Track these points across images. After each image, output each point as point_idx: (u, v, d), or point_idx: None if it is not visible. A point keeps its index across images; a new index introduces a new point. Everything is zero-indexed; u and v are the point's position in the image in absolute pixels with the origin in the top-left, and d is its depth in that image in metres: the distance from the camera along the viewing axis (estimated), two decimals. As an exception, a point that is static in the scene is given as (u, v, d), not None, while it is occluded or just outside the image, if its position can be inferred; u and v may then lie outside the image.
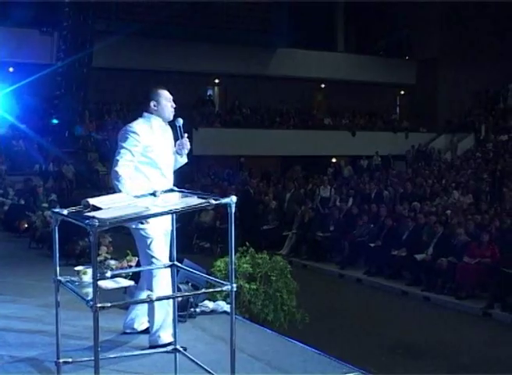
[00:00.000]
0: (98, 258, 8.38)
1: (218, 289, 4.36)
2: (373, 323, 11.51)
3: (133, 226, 5.25)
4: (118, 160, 5.33)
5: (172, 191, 4.70)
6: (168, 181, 5.45)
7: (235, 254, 7.38)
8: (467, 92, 32.80)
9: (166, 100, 5.53)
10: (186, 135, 5.52)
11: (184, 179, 24.62)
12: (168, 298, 5.10)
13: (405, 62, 35.33)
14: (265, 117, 31.26)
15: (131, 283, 5.32)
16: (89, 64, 23.95)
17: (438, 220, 15.23)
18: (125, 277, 6.44)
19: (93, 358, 3.65)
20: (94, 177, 21.95)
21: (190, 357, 4.69)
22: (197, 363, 4.58)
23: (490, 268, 12.78)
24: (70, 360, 4.45)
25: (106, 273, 4.81)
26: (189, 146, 5.58)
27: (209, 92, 33.17)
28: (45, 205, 14.65)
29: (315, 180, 23.15)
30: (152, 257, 5.25)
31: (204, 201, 4.01)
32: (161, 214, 4.08)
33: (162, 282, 5.25)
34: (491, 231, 14.12)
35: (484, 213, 16.39)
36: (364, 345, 10.02)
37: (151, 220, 5.00)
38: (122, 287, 5.36)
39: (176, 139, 5.56)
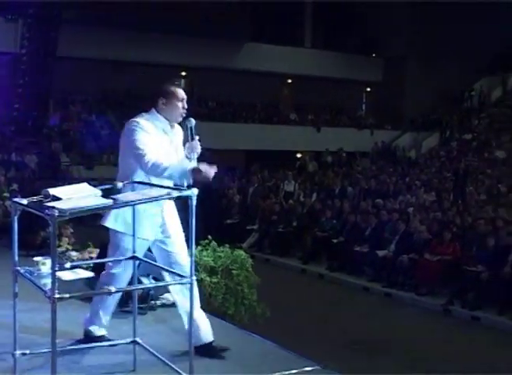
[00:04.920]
0: (59, 250, 8.35)
1: (178, 282, 4.35)
2: (334, 319, 11.57)
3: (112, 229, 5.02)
4: (141, 154, 4.80)
5: (133, 183, 4.68)
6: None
7: (196, 247, 7.44)
8: (432, 91, 33.02)
9: (178, 100, 5.06)
10: (197, 138, 5.01)
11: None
12: (128, 290, 5.09)
13: (372, 59, 35.54)
14: (231, 111, 31.24)
15: (91, 274, 5.29)
16: (54, 53, 23.69)
17: (400, 217, 15.35)
18: (85, 269, 6.41)
19: (50, 350, 3.63)
20: (57, 168, 21.76)
21: (149, 349, 4.69)
22: (155, 355, 4.59)
23: (451, 265, 12.91)
24: (27, 352, 4.43)
25: (65, 263, 4.77)
26: (199, 149, 5.00)
27: (176, 85, 33.08)
28: (6, 194, 14.49)
29: (279, 175, 23.20)
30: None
31: (165, 192, 4.00)
32: (124, 205, 4.05)
33: None
34: (452, 229, 14.27)
35: (446, 211, 16.56)
36: (324, 340, 10.07)
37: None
38: (81, 279, 5.33)
39: (186, 141, 5.08)
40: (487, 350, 10.16)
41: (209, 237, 7.69)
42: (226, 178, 22.45)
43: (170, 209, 5.11)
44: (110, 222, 4.99)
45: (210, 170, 4.62)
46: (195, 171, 4.59)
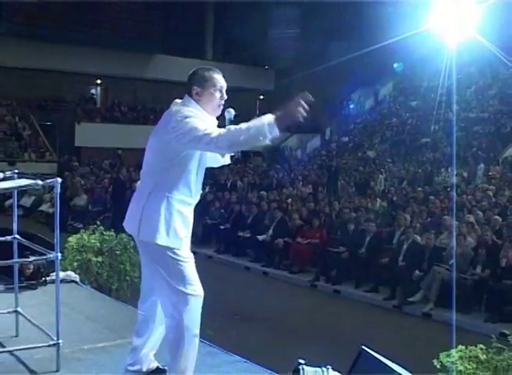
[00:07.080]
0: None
1: (45, 257, 4.38)
2: (219, 294, 11.71)
3: (155, 243, 3.64)
4: (202, 133, 3.44)
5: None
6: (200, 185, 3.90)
7: (85, 231, 7.56)
8: (316, 99, 33.53)
9: (215, 88, 3.69)
10: None
11: (65, 167, 24.32)
12: (8, 263, 5.09)
13: (265, 70, 36.08)
14: (141, 114, 31.29)
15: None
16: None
17: (278, 207, 15.71)
18: None
19: None
20: None
21: (29, 318, 4.79)
22: (33, 324, 4.70)
23: (318, 247, 13.35)
24: None
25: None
26: None
27: (92, 91, 33.04)
28: None
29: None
30: (185, 284, 3.68)
31: (32, 182, 4.07)
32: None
33: (195, 317, 3.72)
34: (321, 217, 14.71)
35: (320, 202, 17.02)
36: (207, 312, 10.25)
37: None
38: None
39: None
40: (344, 317, 10.61)
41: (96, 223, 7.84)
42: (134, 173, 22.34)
43: None
44: (162, 237, 3.64)
45: (298, 107, 3.41)
46: (280, 118, 3.40)
